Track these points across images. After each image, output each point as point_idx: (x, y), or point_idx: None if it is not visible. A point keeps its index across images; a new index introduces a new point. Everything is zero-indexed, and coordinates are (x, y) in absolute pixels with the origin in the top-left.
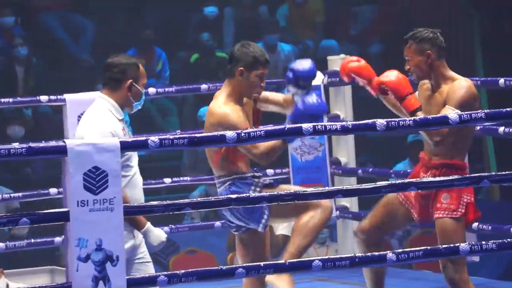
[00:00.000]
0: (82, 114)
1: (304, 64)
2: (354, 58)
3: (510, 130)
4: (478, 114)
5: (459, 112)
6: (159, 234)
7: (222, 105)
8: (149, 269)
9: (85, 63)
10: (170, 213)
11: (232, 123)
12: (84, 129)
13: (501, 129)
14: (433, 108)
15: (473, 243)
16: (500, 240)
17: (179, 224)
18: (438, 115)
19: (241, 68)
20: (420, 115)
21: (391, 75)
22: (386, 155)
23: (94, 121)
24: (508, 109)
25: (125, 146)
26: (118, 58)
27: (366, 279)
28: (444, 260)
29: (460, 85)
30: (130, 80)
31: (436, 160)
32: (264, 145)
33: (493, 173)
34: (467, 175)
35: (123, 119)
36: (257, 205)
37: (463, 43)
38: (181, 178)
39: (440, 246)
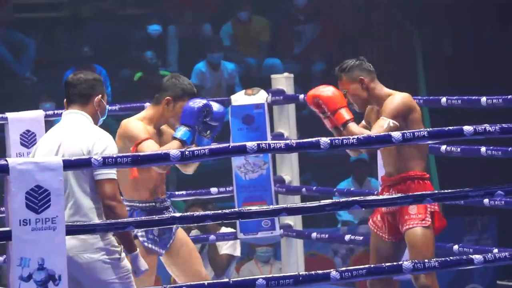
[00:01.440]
0: (25, 132)
1: (216, 105)
2: (325, 88)
3: (452, 148)
4: (421, 133)
5: (392, 121)
6: (144, 262)
7: (132, 120)
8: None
9: (27, 81)
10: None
11: (132, 135)
12: (96, 141)
13: (443, 147)
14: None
15: (416, 261)
16: (442, 258)
17: None
18: (375, 130)
19: (169, 97)
20: (351, 127)
21: (325, 89)
22: (330, 174)
23: (98, 133)
24: (450, 127)
25: (68, 165)
26: (84, 74)
27: None
28: None
29: (394, 97)
30: (99, 96)
31: (395, 176)
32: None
33: (436, 191)
34: (410, 194)
35: None
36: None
37: (405, 61)
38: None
39: (383, 264)
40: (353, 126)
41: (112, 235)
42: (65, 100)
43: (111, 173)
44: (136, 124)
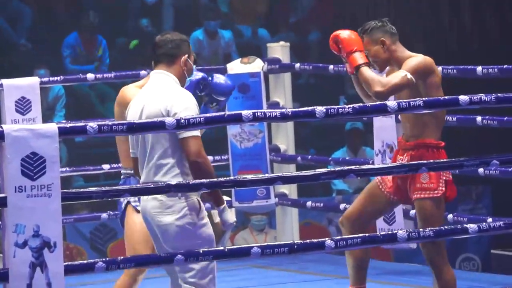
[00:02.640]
0: (20, 99)
1: (222, 80)
2: (348, 31)
3: (448, 118)
4: (416, 102)
5: (409, 74)
6: (232, 214)
7: (130, 87)
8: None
9: (22, 48)
10: (109, 199)
11: (128, 102)
12: (175, 102)
13: None
14: (402, 93)
15: (410, 230)
16: (437, 227)
17: (118, 210)
18: (389, 78)
19: (185, 56)
20: (364, 71)
21: (347, 32)
22: (325, 143)
23: (179, 93)
24: (445, 97)
25: (64, 132)
26: (170, 34)
27: (348, 268)
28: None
29: (416, 57)
30: (185, 55)
31: (411, 141)
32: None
33: (431, 160)
34: (406, 163)
35: None
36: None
37: (402, 32)
38: (120, 165)
39: (378, 233)
40: (366, 70)
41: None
42: (152, 61)
43: (195, 130)
44: (133, 91)
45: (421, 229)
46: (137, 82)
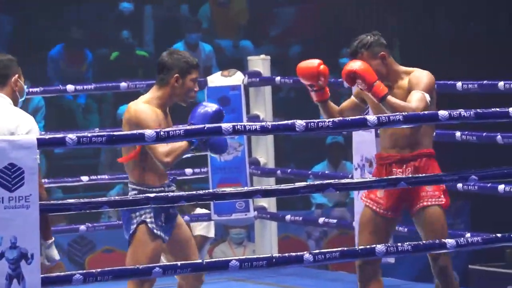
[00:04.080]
0: None
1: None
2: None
3: None
4: (396, 117)
5: (428, 96)
6: (56, 253)
7: (140, 103)
8: None
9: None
10: (87, 211)
11: (141, 121)
12: (18, 123)
13: None
14: None
15: (389, 244)
16: (415, 242)
17: (96, 222)
18: (415, 104)
19: (176, 75)
20: (391, 99)
21: (358, 63)
22: (305, 157)
23: (19, 113)
24: (425, 112)
25: (43, 143)
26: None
27: None
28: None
29: (421, 72)
30: (16, 76)
31: (407, 153)
32: (169, 148)
33: (410, 175)
34: (385, 177)
35: None
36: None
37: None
38: (99, 176)
39: (356, 248)
40: (391, 99)
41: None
42: None
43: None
44: (145, 109)
45: (399, 244)
46: (144, 97)
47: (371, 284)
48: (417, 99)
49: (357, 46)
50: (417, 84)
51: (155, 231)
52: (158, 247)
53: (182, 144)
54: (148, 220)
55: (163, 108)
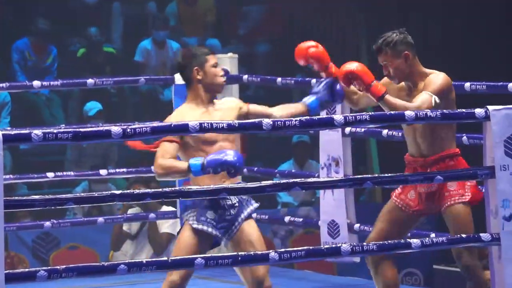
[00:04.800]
0: None
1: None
2: (312, 43)
3: (393, 133)
4: (363, 116)
5: (436, 98)
6: None
7: (177, 109)
8: None
9: None
10: (52, 207)
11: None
12: None
13: (385, 131)
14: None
15: (354, 244)
16: (380, 242)
17: (61, 219)
18: (418, 103)
19: (196, 68)
20: (390, 98)
21: (355, 64)
22: (272, 155)
23: None
24: (391, 112)
25: (8, 139)
26: None
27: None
28: (458, 248)
29: (438, 75)
30: None
31: (431, 157)
32: (168, 164)
33: (376, 175)
34: (351, 177)
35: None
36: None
37: (350, 47)
38: (64, 173)
39: (322, 247)
40: (389, 98)
41: None
42: None
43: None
44: (174, 114)
45: (364, 243)
46: (187, 102)
47: (379, 265)
48: (421, 100)
49: (381, 44)
50: (428, 86)
51: (194, 225)
52: (195, 240)
53: (181, 165)
54: (190, 220)
55: (204, 105)
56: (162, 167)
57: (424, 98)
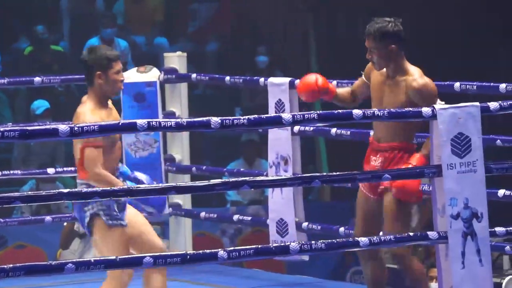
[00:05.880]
0: None
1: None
2: (312, 76)
3: (342, 131)
4: (311, 115)
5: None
6: None
7: (83, 107)
8: None
9: None
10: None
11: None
12: None
13: (333, 130)
14: (386, 95)
15: (303, 242)
16: (329, 240)
17: (8, 217)
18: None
19: (98, 72)
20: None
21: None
22: (221, 154)
23: None
24: (339, 110)
25: None
26: None
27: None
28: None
29: (427, 85)
30: None
31: (383, 143)
32: (108, 179)
33: (324, 173)
34: (300, 175)
35: None
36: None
37: (298, 46)
38: (12, 172)
39: (271, 245)
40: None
41: None
42: None
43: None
44: (86, 112)
45: (313, 241)
46: (88, 103)
47: (369, 262)
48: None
49: (373, 30)
50: (427, 99)
51: (109, 222)
52: (119, 235)
53: (116, 181)
54: (101, 213)
55: (104, 105)
56: (100, 180)
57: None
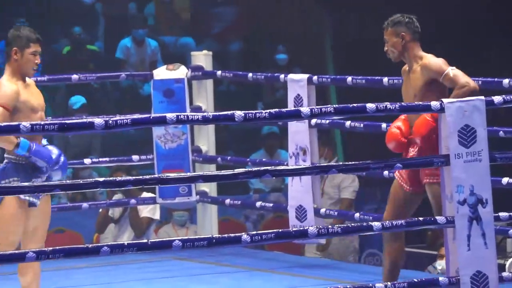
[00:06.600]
0: None
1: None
2: (396, 130)
3: (356, 124)
4: (327, 109)
5: (451, 68)
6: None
7: (2, 78)
8: None
9: None
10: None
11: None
12: None
13: (348, 123)
14: (409, 89)
15: (320, 226)
16: (345, 225)
17: None
18: (458, 89)
19: (15, 48)
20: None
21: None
22: (244, 145)
23: None
24: (354, 104)
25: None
26: None
27: (383, 268)
28: None
29: (431, 58)
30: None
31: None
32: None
33: (340, 163)
34: (317, 165)
35: None
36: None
37: (316, 44)
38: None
39: (291, 229)
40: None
41: None
42: None
43: None
44: (3, 83)
45: (330, 226)
46: (6, 75)
47: (389, 243)
48: (457, 76)
49: (387, 22)
50: (438, 71)
51: (22, 196)
52: (22, 211)
53: (13, 138)
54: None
55: (19, 79)
56: None
57: (454, 77)
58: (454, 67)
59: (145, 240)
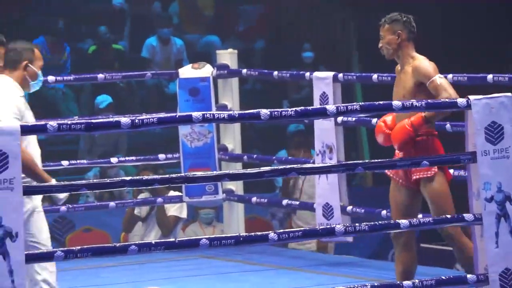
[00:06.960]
0: None
1: None
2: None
3: None
4: (353, 106)
5: (439, 76)
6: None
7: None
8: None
9: None
10: (68, 193)
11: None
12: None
13: (374, 120)
14: (399, 90)
15: (347, 224)
16: (371, 223)
17: (76, 203)
18: (443, 93)
19: (26, 61)
20: (427, 114)
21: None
22: (269, 143)
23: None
24: (380, 102)
25: (26, 130)
26: (15, 43)
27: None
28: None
29: (421, 61)
30: (26, 62)
31: None
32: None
33: (367, 160)
34: (344, 162)
35: (24, 95)
36: None
37: (341, 42)
38: (78, 161)
39: (318, 228)
40: (427, 114)
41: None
42: None
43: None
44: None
45: (357, 224)
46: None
47: (402, 253)
48: (438, 87)
49: (384, 19)
50: (426, 76)
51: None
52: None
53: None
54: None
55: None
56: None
57: (439, 86)
58: (442, 76)
59: (172, 239)
